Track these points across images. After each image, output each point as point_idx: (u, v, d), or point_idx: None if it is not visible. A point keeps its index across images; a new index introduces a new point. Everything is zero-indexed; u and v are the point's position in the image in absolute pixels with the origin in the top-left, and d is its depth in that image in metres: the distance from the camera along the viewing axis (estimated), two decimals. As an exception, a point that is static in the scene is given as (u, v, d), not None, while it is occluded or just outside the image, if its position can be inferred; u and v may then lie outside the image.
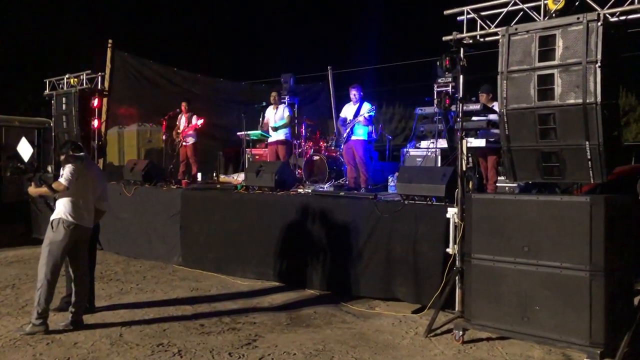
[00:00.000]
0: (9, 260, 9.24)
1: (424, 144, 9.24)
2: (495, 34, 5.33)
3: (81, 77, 10.11)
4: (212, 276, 8.15)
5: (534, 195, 5.11)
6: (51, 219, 5.57)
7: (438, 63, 6.10)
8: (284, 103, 10.93)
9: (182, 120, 11.20)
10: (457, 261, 5.77)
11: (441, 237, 6.11)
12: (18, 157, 6.00)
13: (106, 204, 6.14)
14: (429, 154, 8.86)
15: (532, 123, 4.95)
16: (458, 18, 5.70)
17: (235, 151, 12.93)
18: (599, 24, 4.59)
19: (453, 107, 6.44)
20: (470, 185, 6.25)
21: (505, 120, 5.11)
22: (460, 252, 5.66)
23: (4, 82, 23.22)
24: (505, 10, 5.37)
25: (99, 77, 10.33)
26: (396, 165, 10.22)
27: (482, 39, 5.62)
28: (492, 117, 7.26)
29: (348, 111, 9.31)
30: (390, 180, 9.10)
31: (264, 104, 10.96)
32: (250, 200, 8.32)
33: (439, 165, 8.65)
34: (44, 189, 5.61)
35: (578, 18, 4.69)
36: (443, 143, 8.83)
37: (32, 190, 5.71)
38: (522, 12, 5.26)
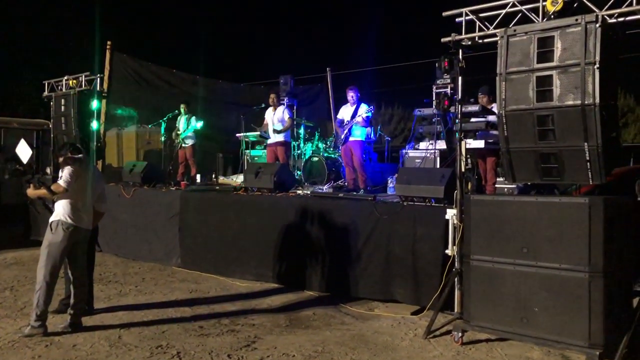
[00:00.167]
0: (8, 262, 9.23)
1: (422, 145, 9.23)
2: (494, 35, 5.33)
3: (80, 78, 10.10)
4: (211, 278, 8.15)
5: (532, 196, 5.11)
6: (50, 220, 5.56)
7: (437, 64, 6.12)
8: (283, 104, 10.93)
9: (181, 122, 11.20)
10: (456, 262, 5.78)
11: (440, 239, 6.12)
12: (17, 159, 5.99)
13: (105, 206, 6.14)
14: (428, 155, 8.86)
15: (530, 124, 4.95)
16: (457, 19, 5.71)
17: (234, 152, 12.94)
18: (598, 25, 4.60)
19: (452, 109, 6.45)
20: (469, 187, 6.25)
21: (504, 121, 5.11)
22: (459, 253, 5.66)
23: (3, 83, 23.20)
24: (503, 11, 5.37)
25: (98, 79, 10.32)
26: (395, 167, 10.23)
27: (480, 41, 5.62)
28: (491, 118, 7.27)
29: (345, 112, 9.32)
30: (389, 181, 9.10)
31: (263, 105, 10.97)
32: (249, 202, 8.32)
33: (438, 166, 8.65)
34: (42, 191, 5.61)
35: (576, 19, 4.70)
36: (442, 144, 8.83)
37: (31, 192, 5.71)
38: (520, 14, 5.26)
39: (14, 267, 8.81)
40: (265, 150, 11.13)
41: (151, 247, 9.34)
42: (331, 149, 10.77)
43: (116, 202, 9.59)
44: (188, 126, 11.00)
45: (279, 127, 10.14)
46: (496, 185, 7.80)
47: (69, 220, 5.48)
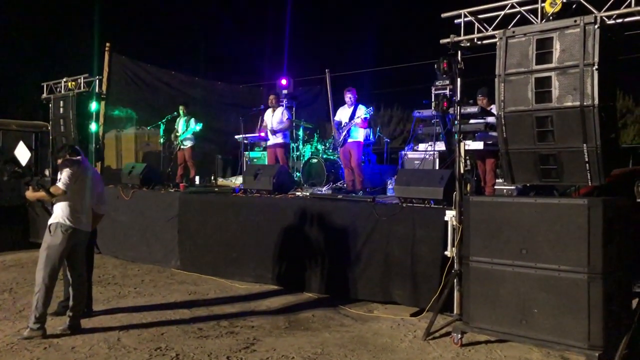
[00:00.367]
0: (7, 264, 9.22)
1: (422, 146, 9.23)
2: (493, 36, 5.34)
3: (79, 80, 10.08)
4: (210, 280, 8.14)
5: (531, 197, 5.11)
6: (49, 223, 5.56)
7: (436, 66, 6.10)
8: (282, 106, 10.94)
9: (180, 124, 11.19)
10: (455, 264, 5.77)
11: (439, 240, 6.11)
12: (15, 161, 5.97)
13: (104, 208, 6.14)
14: (427, 156, 8.85)
15: (529, 126, 4.96)
16: (455, 21, 5.71)
17: (234, 154, 12.93)
18: (596, 26, 4.61)
19: (451, 110, 6.44)
20: (468, 188, 6.25)
21: (503, 122, 5.11)
22: (459, 254, 5.66)
23: (1, 85, 23.20)
24: (502, 13, 5.37)
25: (97, 81, 10.32)
26: (394, 168, 10.23)
27: (479, 42, 5.62)
28: (490, 119, 7.27)
29: (343, 114, 9.34)
30: (388, 183, 9.10)
31: (262, 107, 10.97)
32: (248, 204, 8.32)
33: (437, 168, 8.64)
34: (41, 193, 5.60)
35: (575, 21, 4.70)
36: (441, 146, 8.83)
37: (30, 194, 5.70)
38: (519, 15, 5.26)
39: (13, 269, 8.81)
40: (264, 152, 11.13)
41: (150, 249, 9.33)
42: (330, 151, 10.76)
43: (115, 204, 9.58)
44: (187, 128, 10.99)
45: (278, 128, 10.15)
46: (495, 187, 7.80)
47: (68, 223, 5.47)
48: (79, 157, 5.81)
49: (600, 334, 4.49)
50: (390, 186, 8.88)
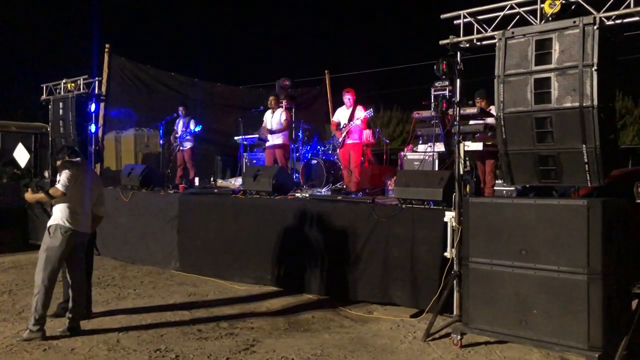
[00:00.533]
0: (6, 266, 9.21)
1: (421, 147, 9.24)
2: (492, 37, 5.33)
3: (78, 82, 10.07)
4: (209, 281, 8.13)
5: (531, 198, 5.11)
6: (48, 224, 5.55)
7: (435, 67, 6.10)
8: (282, 107, 10.94)
9: (180, 125, 11.19)
10: (454, 265, 5.77)
11: (439, 241, 6.11)
12: (15, 163, 5.98)
13: (103, 209, 6.13)
14: (427, 157, 8.86)
15: (529, 126, 4.96)
16: (455, 22, 5.71)
17: (233, 155, 12.93)
18: (595, 27, 4.61)
19: (450, 111, 6.44)
20: (468, 189, 6.25)
21: (502, 123, 5.11)
22: (458, 256, 5.65)
23: (1, 87, 23.21)
24: (501, 14, 5.37)
25: (96, 82, 10.31)
26: (394, 169, 10.23)
27: (478, 43, 5.62)
28: (490, 120, 7.27)
29: (341, 115, 9.34)
30: (387, 184, 9.10)
31: (262, 108, 10.97)
32: (247, 205, 8.31)
33: (437, 169, 8.64)
34: (40, 195, 5.60)
35: (574, 22, 4.70)
36: (440, 147, 8.83)
37: (29, 196, 5.70)
38: (518, 16, 5.26)
39: (12, 271, 8.80)
40: (263, 153, 11.14)
41: (150, 250, 9.32)
42: (330, 152, 10.76)
43: (114, 206, 9.58)
44: (186, 129, 10.99)
45: (277, 129, 10.15)
46: (495, 188, 7.80)
47: (67, 224, 5.47)
48: (78, 159, 5.81)
49: (600, 335, 4.49)
50: (389, 187, 8.89)
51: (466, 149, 6.45)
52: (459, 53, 5.82)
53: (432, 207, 6.49)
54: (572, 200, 4.90)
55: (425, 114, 9.11)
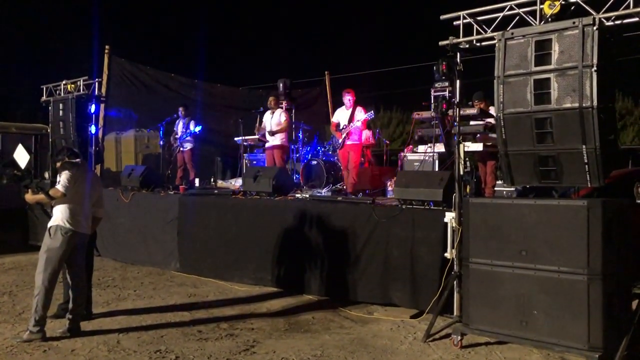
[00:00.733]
0: (6, 267, 9.21)
1: (421, 148, 9.24)
2: (492, 38, 5.33)
3: (78, 83, 10.08)
4: (209, 282, 8.13)
5: (531, 199, 5.11)
6: (49, 225, 5.56)
7: (435, 68, 6.10)
8: (282, 108, 10.95)
9: (180, 125, 11.19)
10: (455, 266, 5.77)
11: (439, 242, 6.12)
12: (15, 164, 5.98)
13: (102, 211, 6.14)
14: (427, 158, 8.86)
15: (528, 127, 4.95)
16: (454, 23, 5.71)
17: (233, 156, 12.94)
18: (595, 28, 4.61)
19: (450, 112, 6.44)
20: (468, 190, 6.25)
21: (502, 124, 5.11)
22: (458, 256, 5.65)
23: (1, 88, 23.22)
24: (501, 15, 5.37)
25: (96, 83, 10.32)
26: (394, 170, 10.23)
27: (478, 44, 5.62)
28: (491, 121, 7.27)
29: (341, 116, 9.34)
30: (387, 184, 9.10)
31: (262, 109, 10.98)
32: (248, 206, 8.31)
33: (437, 169, 8.64)
34: (40, 196, 5.60)
35: (574, 22, 4.70)
36: (440, 147, 8.84)
37: (29, 197, 5.70)
38: (518, 17, 5.26)
39: (12, 272, 8.80)
40: (264, 154, 11.14)
41: (150, 251, 9.33)
42: (330, 152, 10.77)
43: (114, 207, 9.59)
44: (187, 129, 10.99)
45: (276, 130, 10.15)
46: (496, 188, 7.80)
47: (68, 225, 5.47)
48: (78, 160, 5.81)
49: (600, 335, 4.49)
50: (389, 188, 8.89)
51: (466, 149, 6.46)
52: (458, 54, 5.82)
53: (432, 207, 6.49)
54: (572, 200, 4.90)
55: (425, 114, 9.12)
